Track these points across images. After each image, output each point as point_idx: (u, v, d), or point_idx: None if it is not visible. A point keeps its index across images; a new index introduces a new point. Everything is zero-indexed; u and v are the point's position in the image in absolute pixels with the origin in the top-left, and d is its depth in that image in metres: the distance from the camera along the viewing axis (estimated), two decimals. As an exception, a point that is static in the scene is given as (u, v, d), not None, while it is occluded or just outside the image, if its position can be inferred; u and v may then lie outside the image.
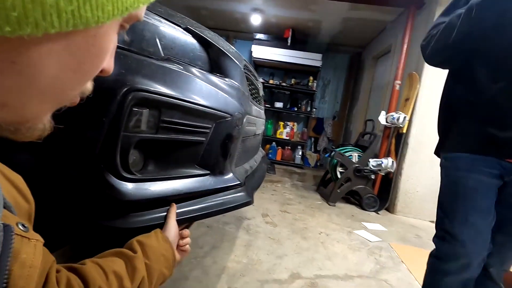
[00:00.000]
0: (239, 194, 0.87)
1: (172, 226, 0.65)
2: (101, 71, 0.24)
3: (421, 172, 2.77)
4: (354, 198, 3.03)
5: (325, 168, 3.56)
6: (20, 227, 0.28)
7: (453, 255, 0.92)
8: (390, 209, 2.86)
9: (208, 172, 0.84)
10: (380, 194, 2.89)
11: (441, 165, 1.04)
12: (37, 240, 0.30)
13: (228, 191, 0.85)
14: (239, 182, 0.90)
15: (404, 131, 2.77)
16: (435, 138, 3.05)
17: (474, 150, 0.91)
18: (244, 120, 0.96)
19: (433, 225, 2.67)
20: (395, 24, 3.56)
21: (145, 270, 0.53)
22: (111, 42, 0.22)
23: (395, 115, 2.78)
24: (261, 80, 2.31)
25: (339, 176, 2.88)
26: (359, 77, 5.08)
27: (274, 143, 4.94)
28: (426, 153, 2.75)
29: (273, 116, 5.25)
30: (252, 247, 1.68)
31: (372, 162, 2.77)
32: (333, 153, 3.00)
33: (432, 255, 1.02)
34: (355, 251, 1.83)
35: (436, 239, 1.00)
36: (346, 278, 1.49)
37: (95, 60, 0.21)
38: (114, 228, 0.60)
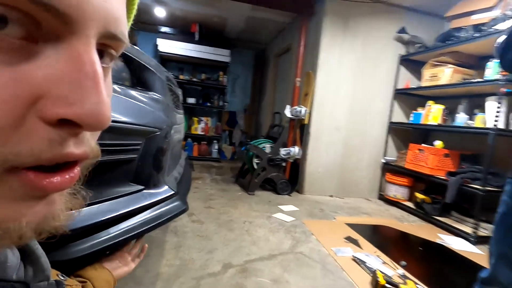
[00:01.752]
0: (175, 204, 0.92)
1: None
2: (69, 122, 0.16)
3: (320, 156, 3.28)
4: (269, 185, 3.35)
5: (242, 160, 3.78)
6: (60, 277, 0.28)
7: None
8: (300, 190, 3.30)
9: (143, 187, 0.86)
10: (291, 179, 3.30)
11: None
12: (76, 285, 0.31)
13: (164, 203, 0.89)
14: (173, 192, 0.94)
15: (306, 122, 3.21)
16: (329, 126, 3.57)
17: None
18: (172, 131, 1.00)
19: (332, 199, 3.17)
20: (293, 26, 4.00)
21: None
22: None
23: (298, 108, 3.18)
24: (171, 75, 2.27)
25: (255, 166, 3.13)
26: (265, 72, 5.48)
27: (189, 139, 4.89)
28: (323, 140, 3.27)
29: (186, 112, 5.15)
30: (182, 247, 1.72)
31: (283, 151, 3.13)
32: (248, 146, 3.22)
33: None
34: (275, 232, 2.09)
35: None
36: (270, 257, 1.71)
37: None
38: (54, 262, 0.57)
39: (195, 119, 4.99)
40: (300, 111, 3.15)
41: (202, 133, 4.96)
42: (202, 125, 4.99)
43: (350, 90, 3.26)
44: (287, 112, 3.31)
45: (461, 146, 2.88)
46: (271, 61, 5.08)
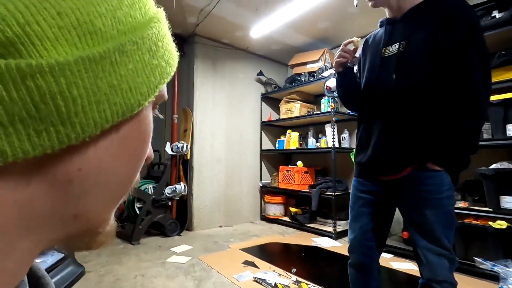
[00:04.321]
0: (69, 269, 0.75)
1: None
2: (145, 159, 0.23)
3: (205, 190, 3.34)
4: (155, 229, 3.08)
5: (118, 209, 3.32)
6: None
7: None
8: (189, 228, 3.20)
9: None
10: (179, 217, 3.16)
11: None
12: None
13: (54, 271, 0.72)
14: (63, 255, 0.77)
15: (188, 157, 3.23)
16: (210, 160, 3.68)
17: (356, 175, 1.18)
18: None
19: (222, 229, 3.25)
20: (162, 65, 4.04)
21: None
22: (151, 123, 0.22)
23: (179, 145, 3.17)
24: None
25: (138, 212, 2.83)
26: (135, 109, 5.16)
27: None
28: (207, 173, 3.36)
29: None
30: (56, 333, 1.33)
31: (167, 190, 2.99)
32: (127, 190, 2.89)
33: None
34: (174, 278, 1.93)
35: None
36: (175, 306, 1.57)
37: (143, 146, 0.21)
38: None
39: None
40: (182, 147, 3.15)
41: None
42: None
43: (225, 124, 3.56)
44: (168, 149, 3.23)
45: (314, 164, 3.63)
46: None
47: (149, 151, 0.24)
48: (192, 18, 2.91)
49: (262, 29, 3.05)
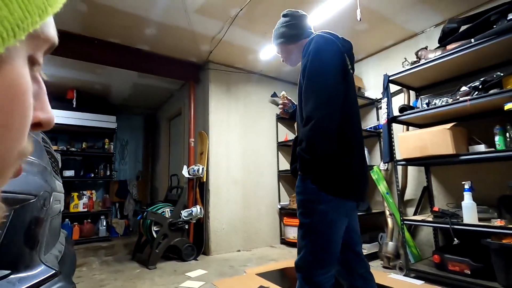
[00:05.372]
0: (58, 285, 0.75)
1: None
2: (40, 125, 0.20)
3: (222, 212, 3.30)
4: (173, 253, 3.06)
5: (137, 233, 3.37)
6: None
7: None
8: (206, 252, 3.15)
9: (9, 271, 0.68)
10: (196, 241, 3.13)
11: None
12: None
13: (43, 286, 0.72)
14: (54, 271, 0.78)
15: (205, 180, 3.25)
16: (226, 181, 3.67)
17: None
18: (51, 198, 0.87)
19: (240, 253, 3.16)
20: (181, 92, 4.24)
21: None
22: (23, 79, 0.17)
23: (195, 167, 3.21)
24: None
25: (155, 235, 2.85)
26: (157, 136, 5.39)
27: (67, 219, 4.04)
28: (223, 195, 3.35)
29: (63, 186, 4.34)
30: None
31: (184, 213, 2.99)
32: (145, 214, 2.94)
33: None
34: (185, 303, 1.87)
35: None
36: (183, 333, 1.50)
37: (12, 106, 0.17)
38: None
39: (75, 194, 4.24)
40: (198, 170, 3.19)
41: (85, 210, 4.22)
42: (85, 200, 4.27)
43: (241, 145, 3.58)
44: (185, 172, 3.29)
45: (334, 183, 3.48)
46: (162, 125, 5.08)
47: (45, 115, 0.20)
48: (205, 46, 3.07)
49: (271, 52, 3.13)
